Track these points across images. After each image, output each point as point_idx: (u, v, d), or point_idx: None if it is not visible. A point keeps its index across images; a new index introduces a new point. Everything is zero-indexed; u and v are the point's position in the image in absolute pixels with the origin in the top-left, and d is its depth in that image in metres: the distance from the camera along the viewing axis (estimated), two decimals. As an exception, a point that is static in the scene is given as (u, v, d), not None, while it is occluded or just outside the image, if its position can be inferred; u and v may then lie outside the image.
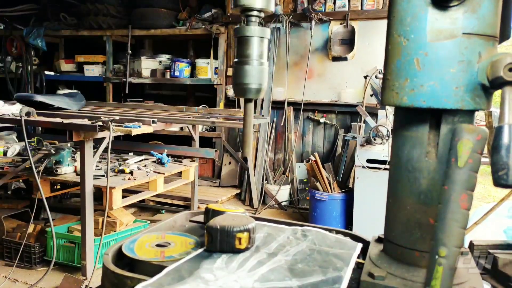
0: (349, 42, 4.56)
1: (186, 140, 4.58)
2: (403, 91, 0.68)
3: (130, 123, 2.88)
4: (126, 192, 3.41)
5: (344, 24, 4.55)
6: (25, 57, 5.81)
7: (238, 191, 4.99)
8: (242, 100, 1.02)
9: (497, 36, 0.67)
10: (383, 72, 0.73)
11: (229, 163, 5.15)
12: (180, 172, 3.70)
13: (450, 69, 0.65)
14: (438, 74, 0.65)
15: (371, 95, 4.04)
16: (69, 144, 3.19)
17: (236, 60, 0.96)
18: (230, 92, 5.08)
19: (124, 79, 5.36)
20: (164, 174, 3.32)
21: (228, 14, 5.04)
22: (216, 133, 5.11)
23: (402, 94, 0.68)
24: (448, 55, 0.64)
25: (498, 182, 0.56)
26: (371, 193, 3.53)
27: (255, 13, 0.93)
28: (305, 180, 4.73)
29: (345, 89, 4.65)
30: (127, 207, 3.68)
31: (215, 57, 5.08)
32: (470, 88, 0.64)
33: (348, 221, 3.86)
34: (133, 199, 3.15)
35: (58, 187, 3.55)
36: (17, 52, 5.84)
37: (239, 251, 0.80)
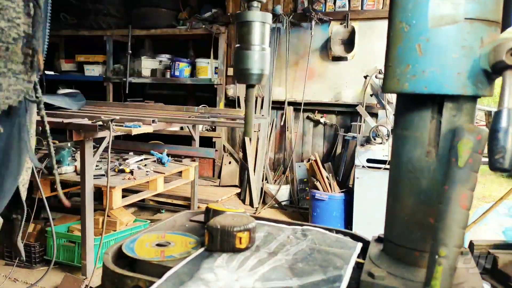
0: (349, 42, 4.56)
1: (186, 140, 4.58)
2: (404, 77, 0.67)
3: (130, 123, 2.88)
4: (126, 192, 3.41)
5: (344, 24, 4.55)
6: (25, 56, 5.80)
7: (238, 190, 4.99)
8: (243, 87, 1.01)
9: (499, 22, 0.66)
10: (385, 59, 0.72)
11: (229, 162, 5.15)
12: (180, 172, 3.70)
13: (452, 54, 0.64)
14: (440, 59, 0.64)
15: (371, 95, 4.04)
16: (69, 144, 3.19)
17: (237, 45, 0.95)
18: (230, 92, 5.08)
19: (124, 79, 5.36)
20: (164, 173, 3.33)
21: (228, 14, 5.04)
22: (216, 133, 5.11)
23: (403, 80, 0.68)
24: (450, 41, 0.64)
25: (494, 165, 0.55)
26: (371, 193, 3.54)
27: None
28: (305, 180, 4.73)
29: (345, 89, 4.65)
30: (127, 206, 3.68)
31: (215, 57, 5.08)
32: (472, 73, 0.64)
33: (348, 221, 3.86)
34: (133, 198, 3.15)
35: (58, 186, 3.55)
36: (17, 51, 5.83)
37: (240, 250, 0.80)
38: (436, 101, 0.68)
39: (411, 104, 0.71)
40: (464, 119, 0.68)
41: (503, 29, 0.70)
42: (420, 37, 0.65)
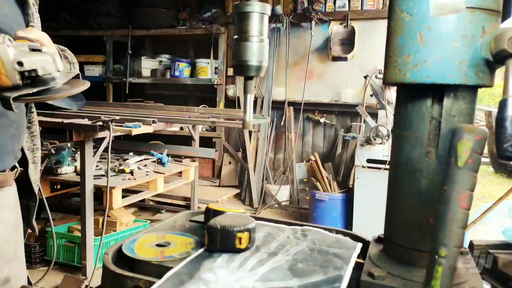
0: (349, 42, 4.56)
1: (186, 140, 4.58)
2: (406, 67, 0.67)
3: (130, 123, 2.88)
4: (126, 192, 3.40)
5: (344, 24, 4.55)
6: (25, 57, 5.80)
7: (238, 191, 4.99)
8: (242, 79, 1.00)
9: (500, 11, 0.66)
10: (385, 50, 0.72)
11: (229, 163, 5.15)
12: (180, 172, 3.70)
13: (454, 43, 0.64)
14: (442, 49, 0.64)
15: (371, 95, 4.04)
16: (69, 144, 3.19)
17: (235, 37, 0.94)
18: (230, 92, 5.08)
19: (124, 79, 5.36)
20: (164, 174, 3.33)
21: (228, 14, 5.04)
22: (216, 133, 5.11)
23: (405, 70, 0.67)
24: (452, 30, 0.64)
25: (503, 154, 0.55)
26: (371, 193, 3.53)
27: None
28: (305, 180, 4.73)
29: (345, 89, 4.65)
30: (127, 207, 3.68)
31: (215, 57, 5.08)
32: (473, 63, 0.64)
33: (348, 221, 3.86)
34: (133, 199, 3.15)
35: (58, 186, 3.55)
36: (17, 52, 5.84)
37: (240, 250, 0.80)
38: (436, 93, 0.68)
39: (411, 96, 0.71)
40: (465, 111, 0.68)
41: (503, 20, 0.70)
42: (421, 26, 0.65)
